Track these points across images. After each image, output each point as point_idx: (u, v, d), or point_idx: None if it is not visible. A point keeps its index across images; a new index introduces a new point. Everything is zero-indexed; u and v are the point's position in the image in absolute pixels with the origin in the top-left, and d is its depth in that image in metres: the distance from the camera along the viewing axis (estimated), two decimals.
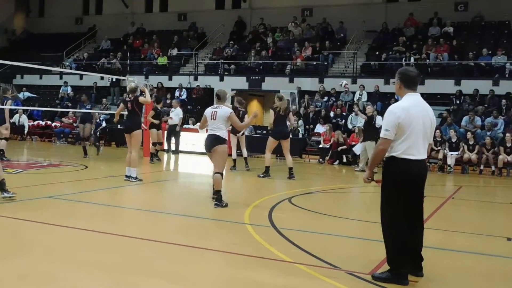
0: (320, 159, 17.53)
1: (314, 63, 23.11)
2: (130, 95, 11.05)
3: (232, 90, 17.77)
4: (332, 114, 20.01)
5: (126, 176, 10.60)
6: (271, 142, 12.62)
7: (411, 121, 4.67)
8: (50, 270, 4.68)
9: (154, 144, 15.09)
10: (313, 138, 18.91)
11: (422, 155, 4.76)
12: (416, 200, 4.80)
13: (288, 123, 13.08)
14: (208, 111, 8.44)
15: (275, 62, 23.73)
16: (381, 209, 4.82)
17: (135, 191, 10.06)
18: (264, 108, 27.34)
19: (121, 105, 11.35)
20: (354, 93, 20.87)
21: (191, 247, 5.72)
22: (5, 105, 13.31)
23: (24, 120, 22.94)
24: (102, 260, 5.07)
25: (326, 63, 22.94)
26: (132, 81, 12.62)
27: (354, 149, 16.75)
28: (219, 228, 7.02)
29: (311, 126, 19.73)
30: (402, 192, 4.69)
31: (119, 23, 30.48)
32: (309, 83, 22.39)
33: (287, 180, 12.33)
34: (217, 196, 8.26)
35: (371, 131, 14.49)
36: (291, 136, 13.79)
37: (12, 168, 12.23)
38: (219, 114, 8.26)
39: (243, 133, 13.96)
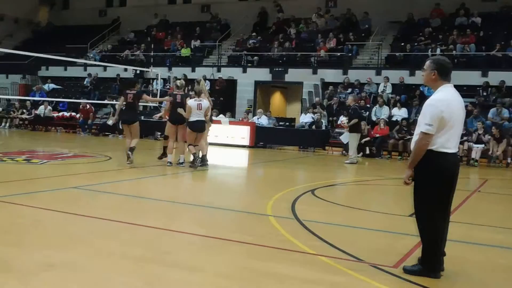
0: (344, 151, 17.40)
1: (338, 54, 22.89)
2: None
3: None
4: (353, 104, 19.79)
5: (173, 163, 11.84)
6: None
7: (452, 114, 4.52)
8: (76, 260, 4.69)
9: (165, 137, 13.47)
10: (336, 130, 18.77)
11: (456, 148, 4.65)
12: (451, 193, 4.68)
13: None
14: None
15: (298, 53, 23.55)
16: (416, 203, 4.68)
17: (157, 182, 10.08)
18: (287, 100, 27.25)
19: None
20: (378, 84, 20.65)
21: (213, 238, 5.69)
22: None
23: (49, 111, 23.23)
24: (126, 250, 5.07)
25: (350, 54, 22.70)
26: (180, 78, 12.75)
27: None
28: (242, 219, 6.98)
29: (335, 118, 19.57)
30: (440, 185, 4.56)
31: (142, 15, 30.59)
32: (332, 75, 22.20)
33: (310, 172, 12.24)
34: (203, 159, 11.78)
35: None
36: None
37: (38, 159, 12.39)
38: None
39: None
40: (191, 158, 11.78)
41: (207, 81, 23.06)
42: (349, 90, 20.76)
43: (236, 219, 7.01)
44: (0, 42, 30.93)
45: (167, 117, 12.50)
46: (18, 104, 24.83)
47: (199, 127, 11.49)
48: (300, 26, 25.79)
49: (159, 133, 19.65)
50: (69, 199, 7.60)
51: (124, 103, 11.47)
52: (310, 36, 24.77)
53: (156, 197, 8.34)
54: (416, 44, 21.82)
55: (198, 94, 11.54)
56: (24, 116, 23.90)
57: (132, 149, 11.35)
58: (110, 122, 17.10)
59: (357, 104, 15.81)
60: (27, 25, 33.81)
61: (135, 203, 7.78)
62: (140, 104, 14.63)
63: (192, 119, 11.39)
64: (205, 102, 11.43)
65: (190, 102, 11.41)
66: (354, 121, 14.81)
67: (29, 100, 23.96)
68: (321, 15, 25.85)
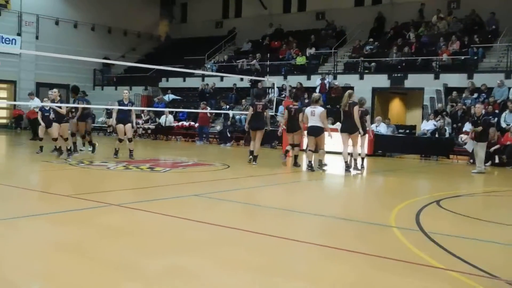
0: (470, 160, 16.34)
1: (462, 58, 21.69)
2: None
3: None
4: (483, 111, 18.58)
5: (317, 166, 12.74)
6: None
7: None
8: (195, 266, 4.71)
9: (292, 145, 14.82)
10: (461, 136, 17.71)
11: None
12: None
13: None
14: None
15: (418, 58, 22.64)
16: None
17: (274, 191, 10.01)
18: (406, 106, 26.33)
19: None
20: (510, 89, 19.23)
21: (333, 248, 5.49)
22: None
23: (170, 120, 24.15)
24: (244, 258, 5.03)
25: (475, 57, 21.43)
26: (317, 95, 13.69)
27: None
28: (363, 230, 6.68)
29: (459, 124, 18.51)
30: None
31: (257, 25, 31.09)
32: (456, 79, 21.04)
33: (434, 181, 11.62)
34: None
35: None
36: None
37: (160, 167, 12.84)
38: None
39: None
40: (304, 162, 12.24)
41: (277, 88, 22.84)
42: (475, 95, 19.56)
43: (357, 230, 6.72)
44: (124, 56, 32.84)
45: (284, 126, 14.22)
46: (146, 115, 26.02)
47: (314, 132, 12.53)
48: (420, 30, 24.83)
49: (276, 142, 19.72)
50: (190, 206, 7.75)
51: (253, 112, 13.42)
52: (431, 39, 23.76)
53: (273, 205, 8.25)
54: None
55: (314, 101, 12.71)
56: (146, 125, 25.05)
57: (255, 158, 13.37)
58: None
59: (485, 111, 14.80)
60: (148, 39, 35.63)
61: (253, 211, 7.77)
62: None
63: (308, 124, 12.59)
64: (319, 109, 12.46)
65: (306, 109, 12.85)
66: (479, 128, 13.85)
67: (151, 110, 25.08)
68: (443, 17, 24.71)
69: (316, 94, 13.23)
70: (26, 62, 29.12)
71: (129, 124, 13.82)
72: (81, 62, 27.35)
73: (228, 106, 22.76)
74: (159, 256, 5.01)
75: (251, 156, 13.57)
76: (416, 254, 5.29)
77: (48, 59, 27.12)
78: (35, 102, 18.39)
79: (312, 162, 12.70)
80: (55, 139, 13.58)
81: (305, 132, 12.99)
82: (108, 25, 32.97)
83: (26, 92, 27.93)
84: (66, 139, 13.54)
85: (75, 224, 6.27)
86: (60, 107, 13.40)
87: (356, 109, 12.41)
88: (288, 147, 14.04)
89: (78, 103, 14.95)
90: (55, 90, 13.71)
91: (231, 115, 22.26)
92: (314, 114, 12.44)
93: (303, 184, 11.66)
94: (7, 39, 28.58)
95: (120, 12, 32.85)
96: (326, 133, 12.72)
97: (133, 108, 14.02)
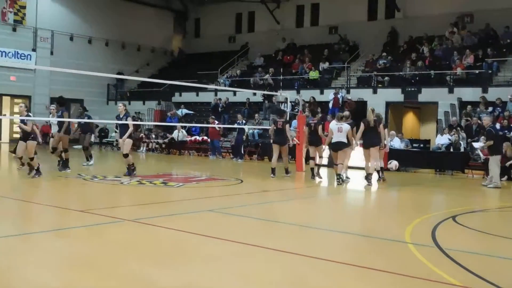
0: (485, 175, 16.15)
1: (477, 71, 21.57)
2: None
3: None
4: (498, 126, 18.45)
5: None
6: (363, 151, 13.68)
7: None
8: (213, 281, 4.71)
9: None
10: (477, 151, 17.55)
11: None
12: None
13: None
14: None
15: (432, 72, 22.54)
16: None
17: (289, 206, 9.97)
18: (420, 120, 26.19)
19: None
20: None
21: (349, 264, 5.44)
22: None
23: (183, 135, 24.19)
24: (260, 275, 5.00)
25: (490, 71, 21.29)
26: (345, 112, 14.59)
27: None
28: (378, 246, 6.61)
29: (475, 139, 18.34)
30: None
31: (270, 40, 31.21)
32: (471, 93, 20.89)
33: (449, 196, 11.50)
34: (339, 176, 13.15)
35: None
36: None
37: (174, 182, 12.84)
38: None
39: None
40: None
41: (290, 103, 22.80)
42: (490, 109, 19.41)
43: (373, 246, 6.65)
44: (138, 71, 33.07)
45: (298, 141, 15.64)
46: (157, 129, 26.13)
47: (339, 147, 13.28)
48: (433, 44, 24.76)
49: (290, 156, 19.65)
50: (204, 222, 7.72)
51: (275, 128, 14.39)
52: (444, 53, 23.66)
53: (289, 221, 8.19)
54: None
55: (339, 118, 13.46)
56: (159, 140, 25.13)
57: (286, 170, 14.41)
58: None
59: (492, 124, 14.68)
60: (162, 54, 35.89)
61: (268, 227, 7.72)
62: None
63: (333, 140, 13.33)
64: (346, 126, 13.19)
65: (332, 125, 13.48)
66: (489, 143, 13.78)
67: (164, 125, 25.17)
68: (456, 31, 24.63)
69: (346, 113, 14.21)
70: (41, 77, 29.43)
71: (126, 139, 13.34)
72: (95, 77, 27.62)
73: (244, 121, 22.69)
74: (174, 272, 4.99)
75: (272, 173, 14.14)
76: (433, 271, 5.22)
77: (62, 74, 27.37)
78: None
79: (342, 175, 13.40)
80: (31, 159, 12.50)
81: (325, 147, 14.23)
82: (122, 41, 33.27)
83: (41, 107, 28.39)
84: (32, 159, 12.44)
85: (89, 240, 6.27)
86: (25, 124, 12.30)
87: (382, 125, 13.45)
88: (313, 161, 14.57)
89: (60, 116, 14.30)
90: (21, 104, 12.79)
91: (246, 130, 22.24)
92: (341, 131, 13.17)
93: (317, 199, 11.61)
94: (23, 55, 28.92)
95: (134, 28, 33.17)
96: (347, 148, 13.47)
97: (129, 122, 13.39)
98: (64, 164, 14.04)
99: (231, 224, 7.77)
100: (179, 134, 24.23)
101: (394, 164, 9.19)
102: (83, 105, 17.36)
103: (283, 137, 14.32)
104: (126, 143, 13.32)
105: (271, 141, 15.04)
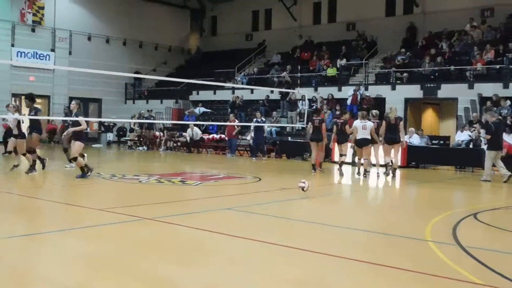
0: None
1: (497, 67, 21.28)
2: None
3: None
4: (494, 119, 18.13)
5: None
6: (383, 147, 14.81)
7: None
8: (230, 281, 4.69)
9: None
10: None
11: None
12: None
13: None
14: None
15: (452, 67, 22.29)
16: None
17: (307, 204, 9.90)
18: (440, 117, 25.92)
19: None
20: None
21: (369, 263, 5.36)
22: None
23: (197, 133, 24.12)
24: (280, 273, 4.97)
25: (511, 66, 20.97)
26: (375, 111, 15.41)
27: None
28: (398, 244, 6.53)
29: None
30: None
31: (287, 37, 31.11)
32: (491, 89, 20.59)
33: (470, 193, 11.35)
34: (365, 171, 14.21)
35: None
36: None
37: (192, 180, 12.85)
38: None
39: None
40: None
41: (307, 100, 22.68)
42: (508, 102, 19.13)
43: (393, 243, 6.57)
44: (155, 70, 33.21)
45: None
46: (175, 128, 26.22)
47: (364, 143, 14.22)
48: (453, 39, 24.47)
49: (308, 154, 19.61)
50: (223, 220, 7.70)
51: (312, 126, 15.27)
52: (464, 49, 23.38)
53: (307, 219, 8.14)
54: None
55: (362, 117, 14.44)
56: (178, 138, 25.18)
57: (320, 164, 15.44)
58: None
59: (497, 121, 14.45)
60: (179, 53, 35.99)
61: (287, 225, 7.68)
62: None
63: (358, 137, 14.25)
64: (369, 123, 14.30)
65: (356, 123, 14.44)
66: (487, 136, 14.18)
67: (182, 123, 25.21)
68: (476, 26, 24.32)
69: (374, 111, 15.41)
70: (59, 77, 29.69)
71: (76, 142, 12.14)
72: (113, 76, 27.86)
73: (264, 119, 22.51)
74: (194, 270, 4.98)
75: (313, 169, 15.14)
76: (454, 270, 5.14)
77: (80, 74, 27.63)
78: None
79: (367, 169, 14.37)
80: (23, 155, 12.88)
81: (349, 144, 15.30)
82: (139, 40, 33.44)
83: (60, 107, 28.67)
84: (24, 154, 12.81)
85: (108, 238, 6.29)
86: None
87: (402, 122, 14.65)
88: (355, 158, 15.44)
89: (34, 114, 12.93)
90: (13, 104, 12.65)
91: (267, 129, 22.16)
92: (366, 128, 14.21)
93: (336, 196, 11.53)
94: (42, 55, 29.22)
95: (151, 27, 33.31)
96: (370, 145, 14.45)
97: (80, 119, 12.12)
98: (32, 165, 12.93)
99: (250, 222, 7.74)
100: (192, 133, 24.14)
101: (306, 184, 9.15)
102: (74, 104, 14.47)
103: (320, 134, 15.18)
104: (75, 146, 12.14)
105: (309, 139, 15.81)
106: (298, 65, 27.39)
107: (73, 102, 12.74)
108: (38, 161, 13.35)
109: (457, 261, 5.44)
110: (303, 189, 9.75)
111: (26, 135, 13.15)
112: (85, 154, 13.92)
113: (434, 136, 20.68)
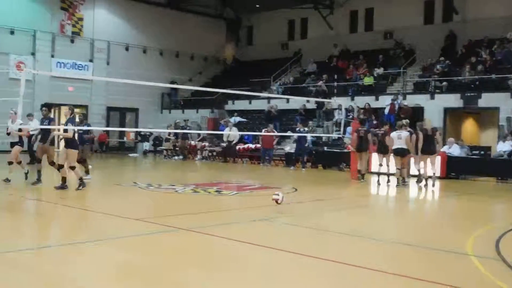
0: None
1: None
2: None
3: None
4: None
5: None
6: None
7: None
8: None
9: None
10: None
11: None
12: None
13: None
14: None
15: (493, 76, 21.75)
16: None
17: (343, 215, 9.76)
18: (480, 127, 25.33)
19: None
20: None
21: (408, 277, 5.22)
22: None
23: (235, 134, 23.88)
24: (312, 285, 4.93)
25: None
26: (402, 121, 15.44)
27: None
28: (440, 258, 6.34)
29: None
30: None
31: (323, 46, 30.90)
32: None
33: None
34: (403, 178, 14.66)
35: None
36: None
37: (228, 190, 12.81)
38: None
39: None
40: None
41: (344, 109, 22.31)
42: None
43: (433, 257, 6.38)
44: (191, 79, 33.45)
45: (354, 149, 16.20)
46: (211, 138, 26.21)
47: (399, 153, 14.53)
48: (494, 47, 23.91)
49: (344, 164, 19.40)
50: (259, 231, 7.66)
51: (357, 136, 15.76)
52: (506, 56, 22.79)
53: (342, 230, 8.01)
54: None
55: (399, 126, 14.95)
56: (213, 148, 25.23)
57: (363, 175, 15.69)
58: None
59: None
60: (215, 63, 36.20)
61: (322, 237, 7.57)
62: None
63: (394, 146, 14.61)
64: (404, 133, 14.55)
65: (392, 134, 14.88)
66: None
67: (217, 133, 25.22)
68: None
69: (403, 121, 15.49)
70: (97, 87, 30.16)
71: (71, 150, 11.52)
72: (150, 86, 28.08)
73: (306, 129, 22.22)
74: (227, 282, 4.95)
75: (359, 175, 15.76)
76: (499, 286, 4.98)
77: (118, 84, 28.02)
78: (34, 124, 14.73)
79: (405, 178, 14.82)
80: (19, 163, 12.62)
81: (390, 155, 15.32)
82: (176, 50, 33.73)
83: (97, 117, 29.10)
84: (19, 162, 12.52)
85: (144, 248, 6.29)
86: (20, 131, 12.46)
87: (438, 133, 14.90)
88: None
89: (46, 124, 11.92)
90: (13, 110, 12.26)
91: (309, 139, 22.00)
92: (401, 138, 14.49)
93: (372, 207, 11.34)
94: (80, 65, 29.76)
95: (187, 37, 33.59)
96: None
97: (69, 127, 11.38)
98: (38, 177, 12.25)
99: (284, 233, 7.67)
100: (230, 133, 23.90)
101: (281, 196, 8.90)
102: (84, 112, 13.59)
103: (367, 144, 15.84)
104: (70, 154, 11.50)
105: (355, 149, 16.15)
106: (335, 74, 27.17)
107: (66, 108, 11.85)
108: (41, 172, 12.32)
109: (501, 277, 5.25)
110: (277, 202, 9.49)
111: (37, 143, 12.43)
112: (91, 166, 14.14)
113: (475, 146, 20.17)
